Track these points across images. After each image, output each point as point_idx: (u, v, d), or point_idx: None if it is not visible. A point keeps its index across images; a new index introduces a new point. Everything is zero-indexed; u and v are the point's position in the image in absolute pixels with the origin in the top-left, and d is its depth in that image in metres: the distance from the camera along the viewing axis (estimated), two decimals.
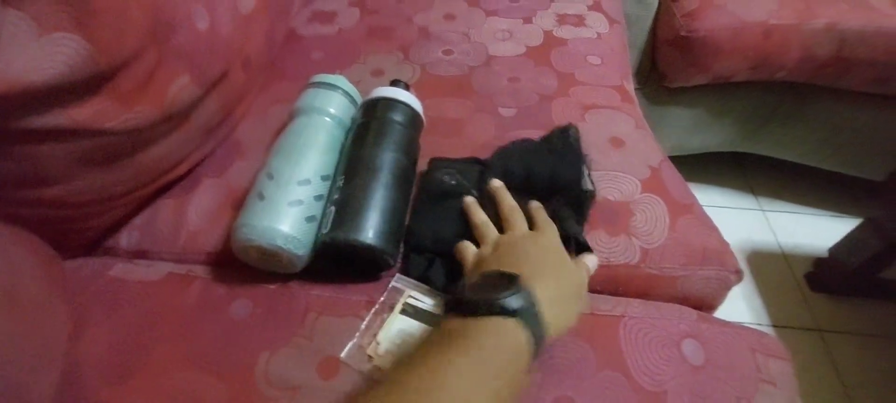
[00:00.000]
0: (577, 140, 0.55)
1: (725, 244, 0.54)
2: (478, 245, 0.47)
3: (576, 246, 0.47)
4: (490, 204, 0.50)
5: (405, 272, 0.49)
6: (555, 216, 0.47)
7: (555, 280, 0.37)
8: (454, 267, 0.48)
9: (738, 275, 0.53)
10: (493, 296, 0.32)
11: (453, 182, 0.53)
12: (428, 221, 0.51)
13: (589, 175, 0.53)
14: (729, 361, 0.44)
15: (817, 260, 1.11)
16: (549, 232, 0.44)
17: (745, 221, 1.21)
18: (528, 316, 0.32)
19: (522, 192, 0.51)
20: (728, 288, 0.53)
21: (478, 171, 0.54)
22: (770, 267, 1.13)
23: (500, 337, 0.31)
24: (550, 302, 0.34)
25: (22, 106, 0.36)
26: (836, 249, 1.05)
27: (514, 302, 0.31)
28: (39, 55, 0.35)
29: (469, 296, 0.33)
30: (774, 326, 1.05)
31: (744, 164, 1.33)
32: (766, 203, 1.26)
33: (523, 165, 0.53)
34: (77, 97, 0.38)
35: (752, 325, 1.04)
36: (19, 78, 0.34)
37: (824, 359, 1.00)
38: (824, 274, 1.09)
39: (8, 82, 0.34)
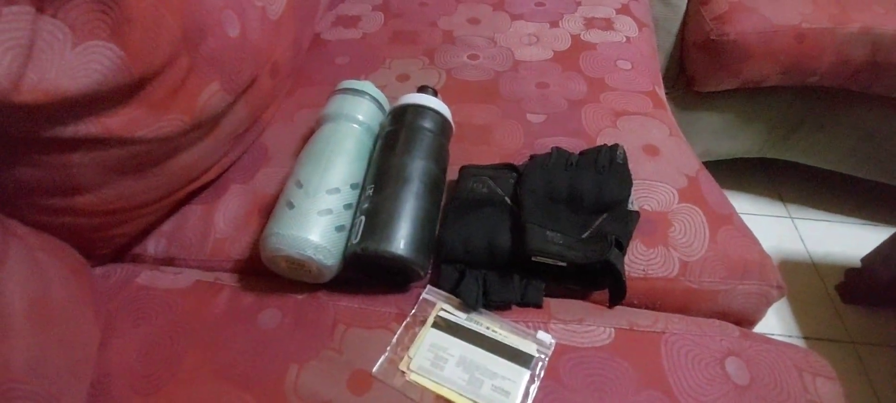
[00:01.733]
0: (625, 160, 0.53)
1: (766, 257, 0.52)
2: (513, 248, 0.45)
3: (612, 282, 0.45)
4: (521, 211, 0.48)
5: (436, 283, 0.48)
6: (601, 235, 0.46)
7: None
8: (486, 278, 0.47)
9: (780, 290, 0.51)
10: None
11: (485, 190, 0.52)
12: (459, 230, 0.49)
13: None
14: (775, 380, 0.42)
15: (849, 271, 1.07)
16: None
17: (773, 229, 1.18)
18: None
19: (567, 208, 0.49)
20: (769, 303, 0.51)
21: (512, 178, 0.53)
22: (800, 277, 1.10)
23: None
24: None
25: (55, 115, 0.35)
26: (870, 259, 1.01)
27: None
28: (74, 64, 0.34)
29: None
30: (805, 338, 1.01)
31: (771, 170, 1.30)
32: (795, 210, 1.23)
33: (568, 181, 0.51)
34: (110, 105, 0.38)
35: (781, 337, 1.01)
36: (54, 87, 0.34)
37: (858, 373, 0.96)
38: (857, 285, 1.05)
39: (42, 91, 0.33)
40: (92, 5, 0.34)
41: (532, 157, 0.55)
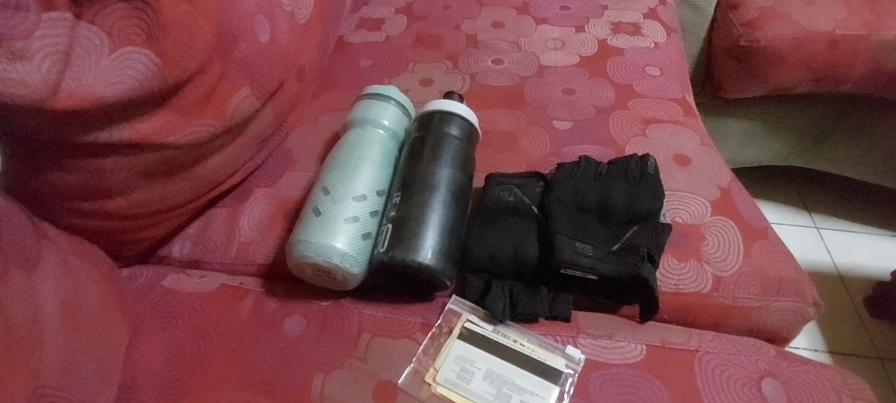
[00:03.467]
0: (657, 171, 0.52)
1: (802, 273, 0.50)
2: (541, 259, 0.45)
3: (643, 298, 0.44)
4: (550, 221, 0.47)
5: (461, 293, 0.47)
6: (633, 248, 0.45)
7: None
8: (513, 289, 0.46)
9: (817, 308, 0.49)
10: None
11: (511, 198, 0.51)
12: (485, 240, 0.49)
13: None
14: None
15: (878, 284, 1.04)
16: None
17: (798, 239, 1.15)
18: None
19: (597, 219, 0.48)
20: (805, 321, 0.49)
21: (539, 187, 0.52)
22: (826, 290, 1.07)
23: None
24: None
25: (91, 120, 0.36)
26: None
27: None
28: (111, 70, 0.34)
29: None
30: (831, 353, 0.99)
31: (796, 178, 1.27)
32: (821, 220, 1.20)
33: (598, 191, 0.50)
34: (144, 111, 0.38)
35: (807, 351, 0.99)
36: (90, 93, 0.34)
37: (886, 390, 0.94)
38: (886, 299, 1.02)
39: (79, 97, 0.34)
40: (128, 11, 0.34)
41: (559, 166, 0.54)
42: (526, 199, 0.51)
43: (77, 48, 0.33)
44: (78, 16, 0.33)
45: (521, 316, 0.45)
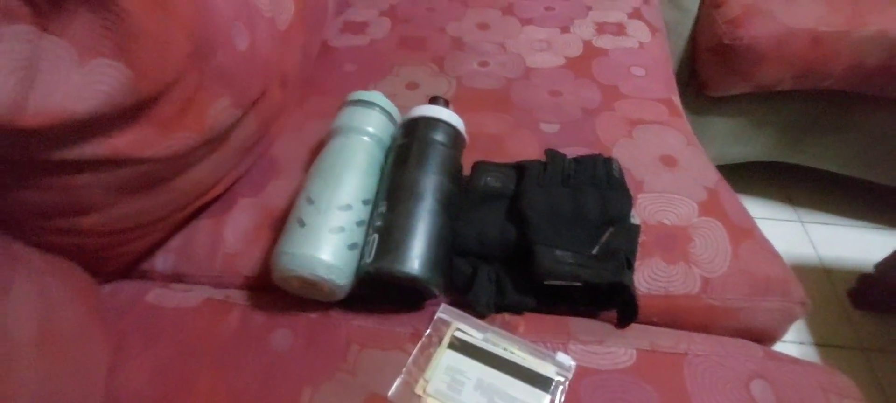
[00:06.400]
0: (621, 174, 0.52)
1: (789, 272, 0.50)
2: (523, 244, 0.45)
3: (623, 303, 0.44)
4: (527, 230, 0.47)
5: (451, 302, 0.47)
6: (611, 252, 0.44)
7: None
8: (500, 281, 0.46)
9: (804, 307, 0.50)
10: None
11: (498, 184, 0.52)
12: (473, 222, 0.49)
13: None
14: None
15: (862, 276, 1.06)
16: None
17: (782, 233, 1.17)
18: None
19: (571, 222, 0.48)
20: (792, 320, 0.50)
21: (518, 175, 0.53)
22: (810, 283, 1.08)
23: None
24: None
25: (61, 137, 0.34)
26: (884, 265, 1.00)
27: None
28: (81, 84, 0.33)
29: None
30: (816, 345, 1.00)
31: (780, 173, 1.28)
32: (806, 214, 1.21)
33: (570, 197, 0.49)
34: (117, 126, 0.36)
35: (792, 344, 1.00)
36: (60, 108, 0.33)
37: (870, 380, 0.95)
38: (869, 291, 1.04)
39: (48, 113, 0.32)
40: (96, 22, 0.33)
41: (524, 168, 0.53)
42: (512, 186, 0.52)
43: (43, 62, 0.32)
44: (43, 28, 0.32)
45: (507, 307, 0.44)
